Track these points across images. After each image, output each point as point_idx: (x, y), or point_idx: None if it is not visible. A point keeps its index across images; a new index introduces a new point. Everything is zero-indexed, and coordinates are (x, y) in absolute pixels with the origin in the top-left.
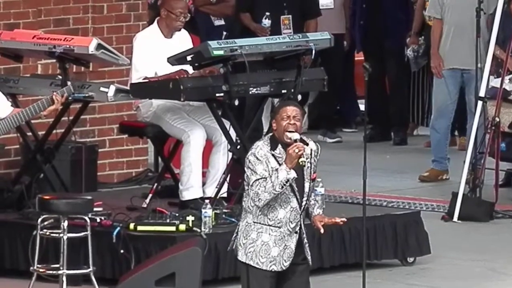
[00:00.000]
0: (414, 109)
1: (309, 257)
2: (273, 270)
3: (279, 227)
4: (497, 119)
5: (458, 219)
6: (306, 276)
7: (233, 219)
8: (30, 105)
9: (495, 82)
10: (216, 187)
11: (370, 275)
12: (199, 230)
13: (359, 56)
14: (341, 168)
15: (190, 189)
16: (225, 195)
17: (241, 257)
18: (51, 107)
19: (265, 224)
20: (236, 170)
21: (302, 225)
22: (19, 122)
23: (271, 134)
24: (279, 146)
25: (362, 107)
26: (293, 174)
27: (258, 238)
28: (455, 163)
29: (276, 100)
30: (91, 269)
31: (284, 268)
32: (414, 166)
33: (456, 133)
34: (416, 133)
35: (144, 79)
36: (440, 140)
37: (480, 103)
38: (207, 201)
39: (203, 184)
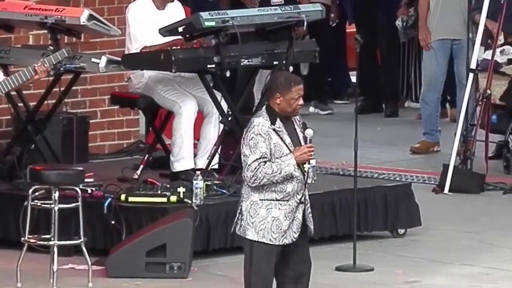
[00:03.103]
0: (402, 82)
1: (312, 227)
2: (285, 243)
3: (288, 200)
4: (488, 91)
5: (449, 191)
6: (307, 247)
7: (224, 191)
8: (11, 75)
9: (487, 54)
10: (208, 159)
11: (361, 247)
12: (190, 202)
13: (351, 28)
14: (333, 140)
15: (181, 161)
16: (216, 166)
17: (252, 236)
18: (35, 77)
19: (274, 200)
20: (227, 141)
21: (307, 195)
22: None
23: (265, 106)
24: (278, 119)
25: (353, 79)
26: (298, 173)
27: (268, 214)
28: (446, 135)
29: (267, 72)
30: (82, 240)
31: (294, 240)
32: (405, 138)
33: (447, 105)
34: (408, 105)
35: (143, 48)
36: (431, 112)
37: (471, 75)
38: (198, 172)
39: (195, 155)
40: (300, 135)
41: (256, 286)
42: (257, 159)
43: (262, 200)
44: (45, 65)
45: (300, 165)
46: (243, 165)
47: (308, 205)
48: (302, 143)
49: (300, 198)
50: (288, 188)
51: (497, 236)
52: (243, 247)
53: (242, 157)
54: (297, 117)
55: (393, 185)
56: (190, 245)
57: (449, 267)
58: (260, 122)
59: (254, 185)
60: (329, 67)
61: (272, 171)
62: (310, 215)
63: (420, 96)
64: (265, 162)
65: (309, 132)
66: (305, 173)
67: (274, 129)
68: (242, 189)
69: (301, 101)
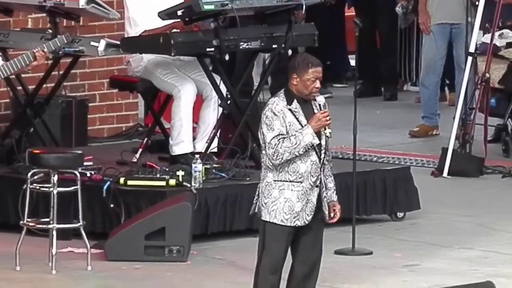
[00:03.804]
0: (402, 66)
1: (327, 212)
2: (297, 225)
3: (301, 182)
4: (487, 74)
5: (448, 175)
6: (321, 232)
7: (223, 174)
8: (10, 60)
9: (485, 38)
10: (207, 142)
11: (360, 230)
12: (189, 185)
13: (350, 12)
14: (332, 123)
15: (181, 144)
16: (215, 150)
17: (265, 216)
18: (33, 63)
19: (287, 181)
20: (226, 125)
21: (323, 178)
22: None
23: (284, 88)
24: (295, 100)
25: (352, 62)
26: (317, 140)
27: (280, 195)
28: (445, 119)
29: (266, 55)
30: (81, 223)
31: (306, 222)
32: (404, 121)
33: (446, 89)
34: (406, 88)
35: (143, 32)
36: (430, 96)
37: (470, 58)
38: (197, 156)
39: (194, 139)
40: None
41: (266, 266)
42: (275, 136)
43: (275, 181)
44: (44, 50)
45: (319, 133)
46: (262, 144)
47: (324, 189)
48: (321, 130)
49: (315, 181)
50: (301, 169)
51: (496, 219)
52: (258, 226)
53: (260, 136)
54: (320, 102)
55: (392, 168)
56: (189, 228)
57: (448, 251)
58: (275, 101)
59: (277, 161)
60: (328, 51)
61: (292, 144)
62: (326, 199)
63: (419, 80)
64: (284, 138)
65: (320, 99)
66: (327, 138)
67: (290, 109)
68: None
69: (317, 84)
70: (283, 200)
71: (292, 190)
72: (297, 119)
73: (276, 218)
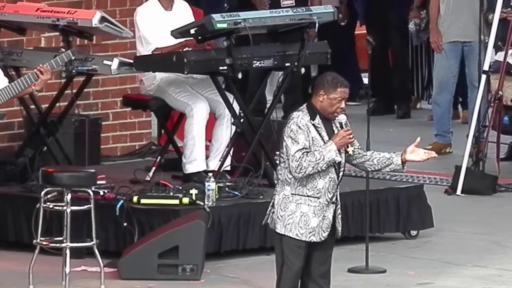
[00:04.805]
0: (414, 83)
1: (340, 229)
2: (312, 240)
3: (318, 198)
4: (500, 92)
5: (461, 193)
6: (332, 248)
7: (236, 193)
8: (15, 80)
9: (498, 56)
10: (220, 160)
11: (373, 248)
12: (202, 204)
13: (361, 30)
14: None
15: (194, 162)
16: (228, 168)
17: (280, 229)
18: (40, 79)
19: (304, 195)
20: (239, 143)
21: (338, 196)
22: (5, 98)
23: (306, 104)
24: (318, 116)
25: (365, 80)
26: (340, 158)
27: (297, 209)
28: (458, 137)
29: (279, 74)
30: (94, 242)
31: (322, 239)
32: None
33: (459, 106)
34: (419, 106)
35: (154, 50)
36: (443, 114)
37: (483, 76)
38: (210, 174)
39: (207, 157)
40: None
41: (285, 279)
42: (300, 149)
43: (293, 194)
44: (48, 67)
45: (341, 150)
46: (284, 157)
47: (339, 205)
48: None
49: (332, 198)
50: (320, 185)
51: (509, 237)
52: (274, 239)
53: (283, 149)
54: (342, 120)
55: (405, 186)
56: (202, 247)
57: (461, 269)
58: (300, 115)
59: (300, 175)
60: (340, 69)
61: (316, 158)
62: (340, 216)
63: (432, 98)
64: (307, 152)
65: (342, 117)
66: (350, 156)
67: (313, 124)
68: (276, 183)
69: (343, 104)
70: (299, 214)
71: (309, 205)
72: (319, 134)
73: (291, 232)
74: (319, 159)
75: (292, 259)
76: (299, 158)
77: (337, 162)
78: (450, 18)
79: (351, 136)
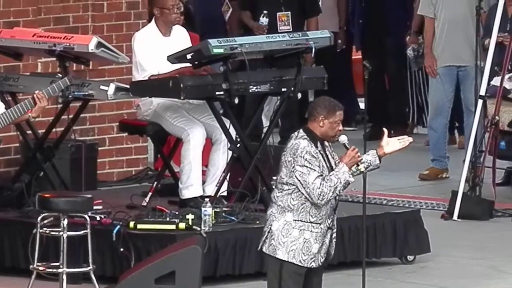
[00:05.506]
0: (412, 108)
1: (333, 252)
2: (312, 266)
3: (320, 224)
4: (496, 117)
5: (458, 218)
6: (322, 272)
7: (233, 218)
8: (12, 107)
9: (495, 81)
10: (216, 186)
11: (370, 274)
12: (199, 229)
13: (357, 55)
14: None
15: (190, 188)
16: (225, 193)
17: (283, 255)
18: (36, 106)
19: (307, 222)
20: (236, 168)
21: (335, 221)
22: (1, 124)
23: (303, 129)
24: (318, 142)
25: (361, 105)
26: (353, 179)
27: (300, 236)
28: (455, 162)
29: (275, 99)
30: (91, 267)
31: (320, 264)
32: (414, 164)
33: (455, 131)
34: (416, 131)
35: (150, 77)
36: (439, 138)
37: (480, 101)
38: (207, 199)
39: (203, 182)
40: (332, 161)
41: None
42: (318, 176)
43: (296, 220)
44: (45, 94)
45: (352, 169)
46: (301, 185)
47: (335, 230)
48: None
49: (330, 223)
50: (323, 211)
51: (506, 262)
52: (269, 265)
53: (297, 178)
54: (344, 141)
55: (402, 211)
56: (199, 272)
57: None
58: (307, 144)
59: (323, 201)
60: (336, 94)
61: (334, 183)
62: (335, 240)
63: (427, 123)
64: (324, 178)
65: (343, 138)
66: (364, 174)
67: (318, 151)
68: (271, 209)
69: (340, 126)
70: (302, 240)
71: (311, 231)
72: (324, 160)
73: (294, 258)
74: (336, 183)
75: (291, 285)
76: (321, 184)
77: (351, 183)
78: (445, 42)
79: (358, 154)
